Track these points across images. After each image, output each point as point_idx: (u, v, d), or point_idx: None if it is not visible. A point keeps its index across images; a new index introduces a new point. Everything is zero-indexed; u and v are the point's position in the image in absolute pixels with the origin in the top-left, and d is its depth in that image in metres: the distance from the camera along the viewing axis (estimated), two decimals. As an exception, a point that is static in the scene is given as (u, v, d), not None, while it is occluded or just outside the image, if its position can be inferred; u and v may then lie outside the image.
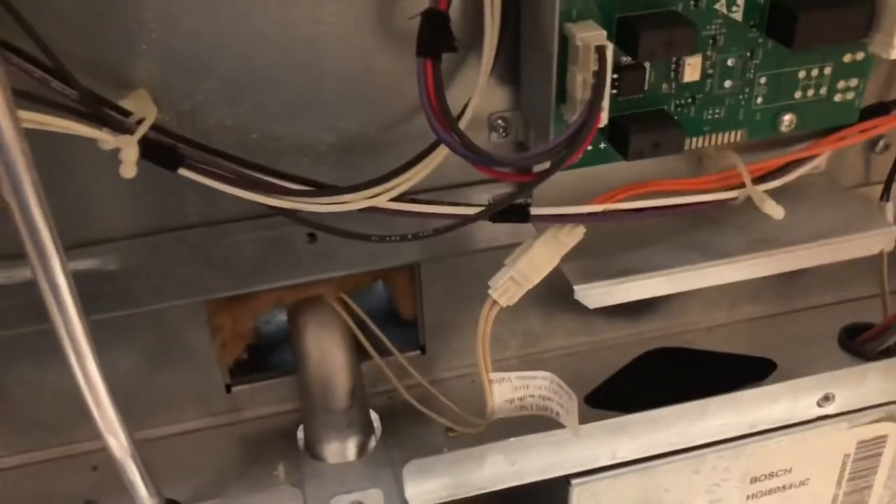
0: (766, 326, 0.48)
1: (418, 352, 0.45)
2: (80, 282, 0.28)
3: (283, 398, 0.44)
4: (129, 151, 0.29)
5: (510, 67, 0.36)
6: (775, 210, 0.36)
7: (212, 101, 0.34)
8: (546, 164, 0.32)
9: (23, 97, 0.29)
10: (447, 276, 0.42)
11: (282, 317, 0.44)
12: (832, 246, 0.37)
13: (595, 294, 0.35)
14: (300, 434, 0.43)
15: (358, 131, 0.36)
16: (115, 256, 0.36)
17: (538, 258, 0.35)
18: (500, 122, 0.38)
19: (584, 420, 0.38)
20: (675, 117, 0.35)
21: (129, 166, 0.29)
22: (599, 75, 0.31)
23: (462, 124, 0.34)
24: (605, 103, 0.32)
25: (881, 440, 0.45)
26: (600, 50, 0.31)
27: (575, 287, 0.35)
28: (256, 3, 0.32)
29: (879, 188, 0.44)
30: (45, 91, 0.30)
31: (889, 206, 0.43)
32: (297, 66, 0.34)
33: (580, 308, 0.36)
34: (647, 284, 0.36)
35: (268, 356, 0.45)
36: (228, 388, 0.43)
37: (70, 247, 0.34)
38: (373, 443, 0.42)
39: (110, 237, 0.36)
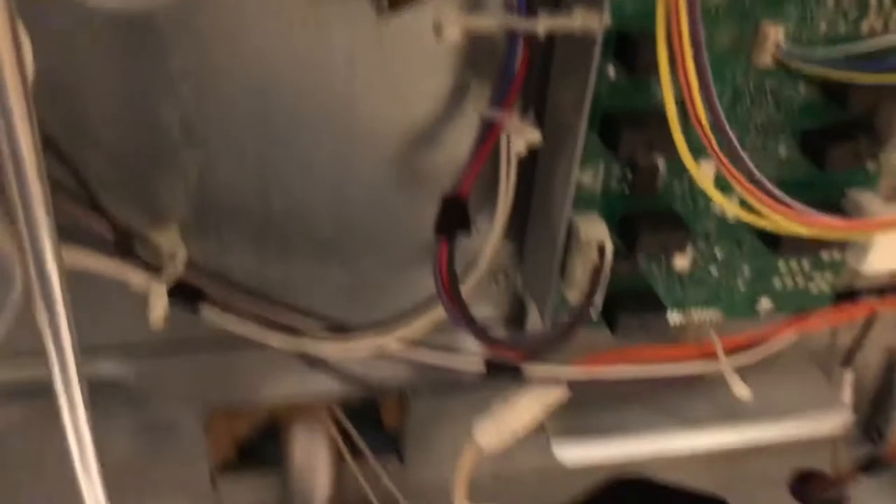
0: (725, 461, 0.51)
1: (396, 460, 0.47)
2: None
3: (265, 499, 0.46)
4: (158, 302, 0.31)
5: (518, 226, 0.39)
6: (743, 391, 0.39)
7: (239, 242, 0.36)
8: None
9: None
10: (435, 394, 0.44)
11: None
12: (791, 423, 0.40)
13: (571, 452, 0.38)
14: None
15: (372, 272, 0.39)
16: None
17: (525, 414, 0.38)
18: (500, 275, 0.40)
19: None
20: (662, 300, 0.38)
21: (158, 318, 0.31)
22: (596, 273, 0.34)
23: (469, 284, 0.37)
24: (600, 294, 0.35)
25: None
26: (601, 247, 0.34)
27: (553, 441, 0.38)
28: (292, 161, 0.35)
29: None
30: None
31: (848, 372, 0.47)
32: (322, 216, 0.37)
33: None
34: (621, 447, 0.39)
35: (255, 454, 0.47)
36: (214, 484, 0.45)
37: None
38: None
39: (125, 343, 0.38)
